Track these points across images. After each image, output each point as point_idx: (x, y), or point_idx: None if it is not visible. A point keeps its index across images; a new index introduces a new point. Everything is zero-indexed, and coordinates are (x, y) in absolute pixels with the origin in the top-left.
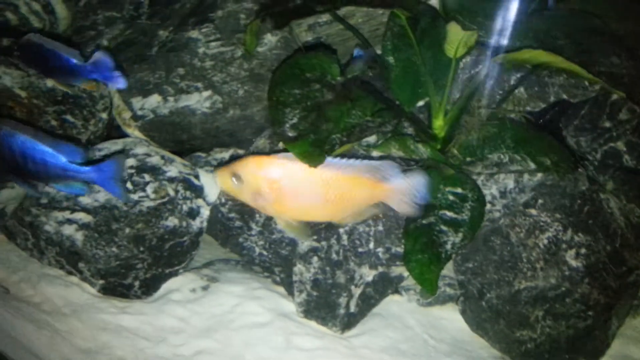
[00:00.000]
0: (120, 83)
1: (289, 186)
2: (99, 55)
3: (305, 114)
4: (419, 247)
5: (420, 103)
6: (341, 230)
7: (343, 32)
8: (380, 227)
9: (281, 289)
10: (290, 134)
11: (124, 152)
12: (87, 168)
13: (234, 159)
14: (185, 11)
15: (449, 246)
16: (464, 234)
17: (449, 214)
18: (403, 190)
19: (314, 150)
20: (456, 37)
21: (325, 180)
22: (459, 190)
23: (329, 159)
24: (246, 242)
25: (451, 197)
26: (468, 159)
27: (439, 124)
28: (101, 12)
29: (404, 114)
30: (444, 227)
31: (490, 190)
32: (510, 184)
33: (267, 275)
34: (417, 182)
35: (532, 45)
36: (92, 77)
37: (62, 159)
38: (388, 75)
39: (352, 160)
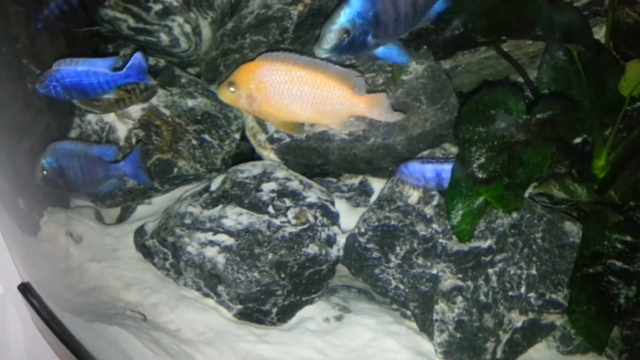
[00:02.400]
0: (155, 89)
1: (271, 86)
2: (134, 60)
3: (492, 154)
4: (585, 297)
5: (577, 140)
6: (490, 270)
7: (483, 61)
8: (534, 271)
9: (414, 325)
10: (480, 175)
11: (141, 143)
12: (122, 163)
13: (362, 184)
14: None
15: (622, 300)
16: (639, 288)
17: (619, 264)
18: (374, 103)
19: (509, 194)
20: (637, 75)
21: (300, 81)
22: (629, 238)
23: (305, 57)
24: (382, 274)
25: (619, 246)
26: (631, 203)
27: (600, 164)
28: (249, 36)
29: (576, 155)
30: (613, 278)
31: None
32: None
33: (396, 308)
34: (383, 97)
35: None
36: (129, 82)
37: (106, 160)
38: None
39: (324, 62)
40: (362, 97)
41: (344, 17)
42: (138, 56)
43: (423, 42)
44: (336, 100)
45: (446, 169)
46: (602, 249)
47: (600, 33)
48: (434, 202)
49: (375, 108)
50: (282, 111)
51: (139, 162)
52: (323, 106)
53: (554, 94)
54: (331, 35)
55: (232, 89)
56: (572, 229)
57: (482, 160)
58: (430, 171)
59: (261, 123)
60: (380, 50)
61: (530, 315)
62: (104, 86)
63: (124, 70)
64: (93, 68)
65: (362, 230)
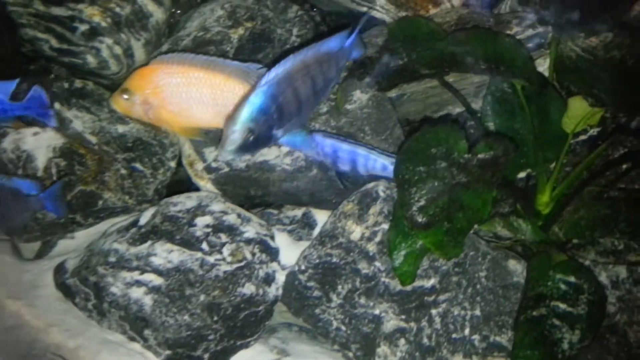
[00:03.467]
0: (53, 122)
1: (169, 90)
2: (35, 92)
3: (433, 196)
4: (529, 342)
5: (521, 174)
6: (434, 311)
7: (428, 90)
8: (478, 312)
9: None
10: (419, 218)
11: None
12: (41, 195)
13: (305, 216)
14: (268, 60)
15: (565, 345)
16: (582, 333)
17: (562, 306)
18: None
19: (449, 240)
20: (579, 112)
21: (199, 83)
22: (572, 279)
23: (203, 57)
24: (323, 314)
25: (563, 287)
26: (575, 240)
27: (544, 200)
28: None
29: (519, 192)
30: (557, 322)
31: (599, 278)
32: (623, 272)
33: (338, 349)
34: None
35: None
36: (25, 114)
37: (25, 193)
38: None
39: (222, 60)
40: None
41: (246, 116)
42: (38, 90)
43: (367, 71)
44: (239, 99)
45: (344, 148)
46: (546, 290)
47: (544, 65)
48: (377, 239)
49: None
50: (182, 116)
51: (59, 195)
52: (225, 107)
53: (497, 133)
54: (235, 136)
55: (125, 96)
56: (517, 268)
57: (422, 202)
58: (329, 146)
59: (199, 151)
60: (284, 139)
61: (475, 358)
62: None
63: (24, 101)
64: None
65: (303, 267)
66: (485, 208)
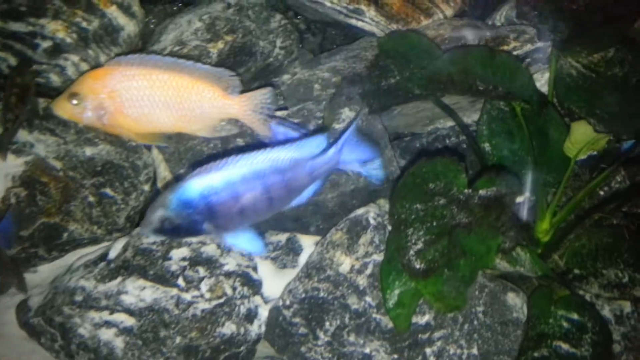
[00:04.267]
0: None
1: (128, 93)
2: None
3: (431, 238)
4: None
5: (519, 199)
6: (428, 350)
7: (419, 105)
8: (475, 351)
9: None
10: (417, 264)
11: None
12: None
13: (290, 241)
14: (249, 75)
15: None
16: None
17: (565, 346)
18: (250, 104)
19: (449, 291)
20: (583, 137)
21: (164, 86)
22: (575, 316)
23: (166, 59)
24: (310, 352)
25: (566, 324)
26: (576, 271)
27: (544, 228)
28: None
29: (520, 223)
30: None
31: (602, 312)
32: (627, 307)
33: None
34: (263, 96)
35: None
36: None
37: None
38: (483, 163)
39: (190, 63)
40: (236, 97)
41: (165, 204)
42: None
43: (357, 91)
44: (207, 103)
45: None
46: (547, 328)
47: (542, 80)
48: (368, 271)
49: (249, 110)
50: (141, 121)
51: (11, 229)
52: (191, 111)
53: (493, 154)
54: (151, 220)
55: (74, 101)
56: (516, 302)
57: (420, 245)
58: (282, 134)
59: (175, 173)
60: (229, 236)
61: None
62: None
63: None
64: None
65: (288, 302)
66: (490, 255)
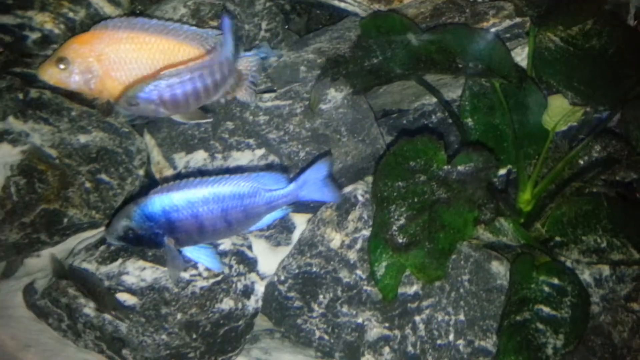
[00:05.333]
0: None
1: (116, 56)
2: None
3: (413, 213)
4: (513, 347)
5: (502, 171)
6: (417, 318)
7: (405, 83)
8: (462, 317)
9: None
10: (400, 239)
11: None
12: None
13: (283, 220)
14: None
15: (549, 350)
16: (567, 338)
17: (546, 309)
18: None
19: (431, 262)
20: (560, 110)
21: (152, 48)
22: (556, 281)
23: (153, 21)
24: (305, 324)
25: (547, 289)
26: (557, 238)
27: (525, 198)
28: None
29: (500, 194)
30: (540, 326)
31: (582, 276)
32: (606, 270)
33: (321, 356)
34: (249, 62)
35: None
36: None
37: None
38: (465, 138)
39: (177, 25)
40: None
41: (129, 215)
42: None
43: (340, 71)
44: None
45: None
46: (529, 293)
47: (522, 54)
48: (358, 246)
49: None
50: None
51: None
52: None
53: (476, 142)
54: (115, 227)
55: (61, 65)
56: (499, 270)
57: (402, 221)
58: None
59: (168, 157)
60: (188, 250)
61: None
62: None
63: None
64: None
65: (282, 278)
66: (467, 228)
